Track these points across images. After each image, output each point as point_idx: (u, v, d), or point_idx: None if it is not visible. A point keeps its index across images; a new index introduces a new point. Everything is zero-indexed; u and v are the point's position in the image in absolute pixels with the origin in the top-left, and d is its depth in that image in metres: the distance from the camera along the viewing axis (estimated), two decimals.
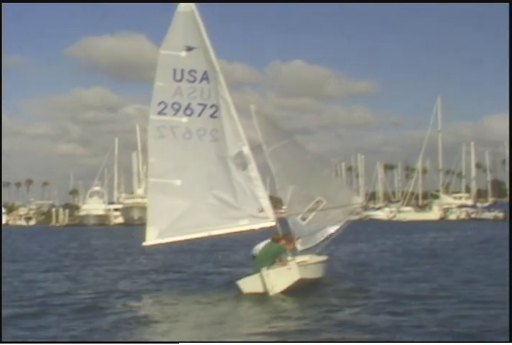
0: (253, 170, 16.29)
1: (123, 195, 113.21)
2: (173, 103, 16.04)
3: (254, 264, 15.99)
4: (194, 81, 16.02)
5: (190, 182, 16.22)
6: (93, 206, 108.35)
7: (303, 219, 17.95)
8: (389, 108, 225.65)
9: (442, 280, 17.88)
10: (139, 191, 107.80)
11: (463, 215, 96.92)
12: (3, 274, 19.54)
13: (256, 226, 16.37)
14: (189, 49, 15.97)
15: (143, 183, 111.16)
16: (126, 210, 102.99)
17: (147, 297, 15.83)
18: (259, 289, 15.09)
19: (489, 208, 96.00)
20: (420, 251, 29.93)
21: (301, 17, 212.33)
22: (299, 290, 15.01)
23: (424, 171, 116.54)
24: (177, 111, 16.04)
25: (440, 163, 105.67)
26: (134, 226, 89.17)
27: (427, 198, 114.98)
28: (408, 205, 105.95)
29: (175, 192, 16.16)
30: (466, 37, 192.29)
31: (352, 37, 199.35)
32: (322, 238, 18.01)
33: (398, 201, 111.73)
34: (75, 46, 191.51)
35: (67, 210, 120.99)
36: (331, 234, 18.04)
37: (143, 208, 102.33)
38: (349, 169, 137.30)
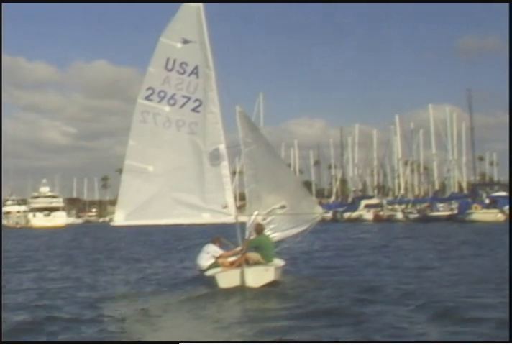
0: (225, 168, 16.92)
1: None
2: (160, 91, 16.63)
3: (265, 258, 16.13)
4: (183, 73, 16.63)
5: (161, 170, 16.66)
6: None
7: (263, 219, 17.99)
8: None
9: None
10: None
11: None
12: None
13: (217, 221, 17.02)
14: (185, 42, 16.60)
15: None
16: None
17: None
18: (237, 284, 15.32)
19: None
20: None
21: (105, 17, 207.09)
22: None
23: (240, 172, 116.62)
24: (162, 98, 16.61)
25: None
26: None
27: (244, 199, 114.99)
28: None
29: (146, 177, 16.59)
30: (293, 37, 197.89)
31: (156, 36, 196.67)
32: (290, 234, 18.19)
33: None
34: None
35: None
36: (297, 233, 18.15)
37: None
38: None
